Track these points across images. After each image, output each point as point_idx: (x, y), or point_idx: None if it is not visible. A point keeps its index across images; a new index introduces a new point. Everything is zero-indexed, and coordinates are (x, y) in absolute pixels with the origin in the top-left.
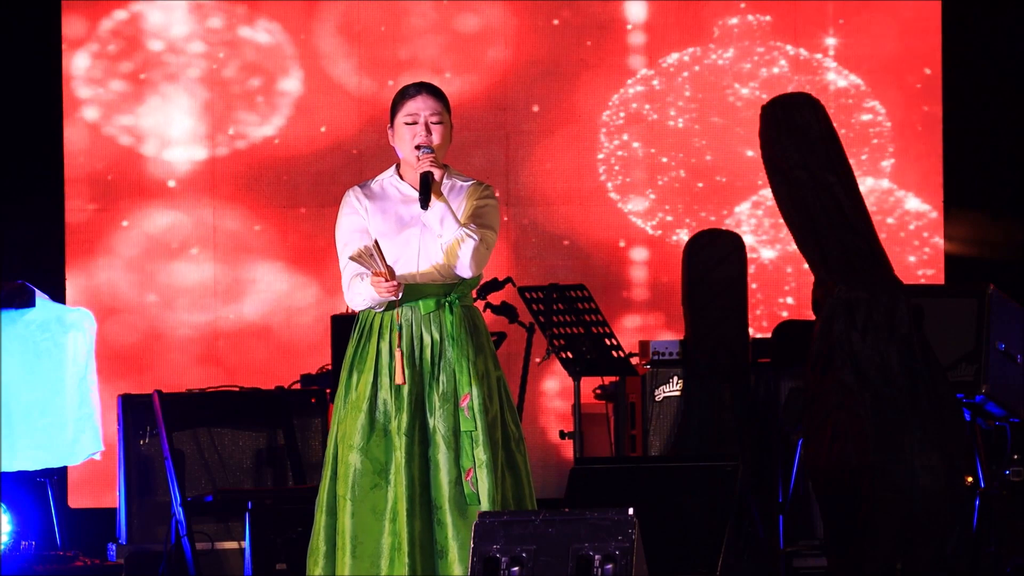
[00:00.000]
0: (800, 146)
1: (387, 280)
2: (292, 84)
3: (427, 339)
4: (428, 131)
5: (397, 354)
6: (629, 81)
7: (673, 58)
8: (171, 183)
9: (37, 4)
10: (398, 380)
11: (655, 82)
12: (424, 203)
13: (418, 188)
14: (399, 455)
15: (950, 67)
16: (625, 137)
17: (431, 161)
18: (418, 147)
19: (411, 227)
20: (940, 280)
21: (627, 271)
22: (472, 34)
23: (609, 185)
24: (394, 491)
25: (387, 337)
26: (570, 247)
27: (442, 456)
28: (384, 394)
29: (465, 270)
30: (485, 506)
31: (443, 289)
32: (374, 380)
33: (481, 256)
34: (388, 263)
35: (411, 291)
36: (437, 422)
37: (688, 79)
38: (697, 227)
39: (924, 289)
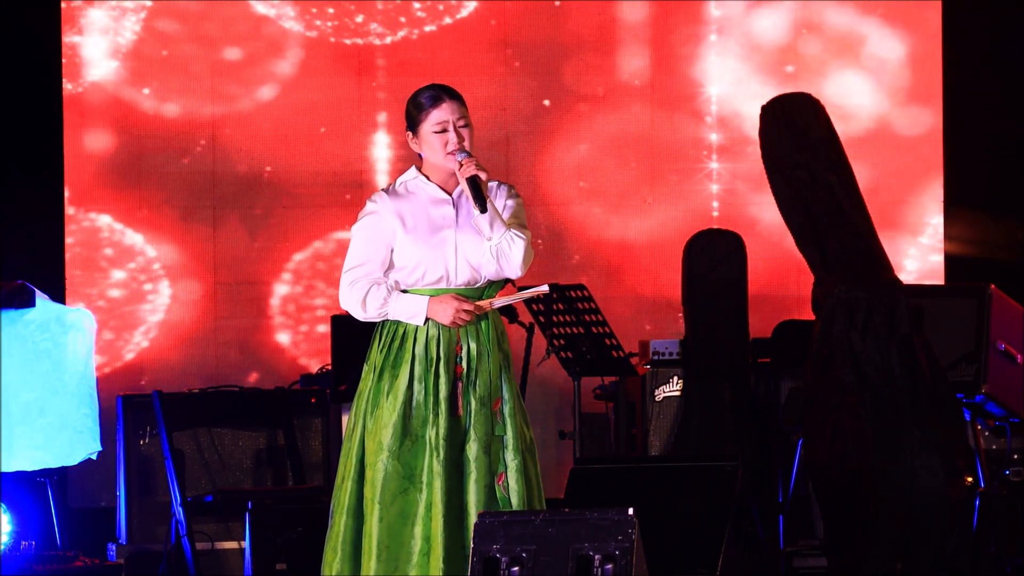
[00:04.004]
0: (800, 146)
1: (475, 311)
2: (293, 89)
3: (463, 345)
4: (460, 137)
5: (459, 386)
6: (629, 82)
7: (673, 61)
8: (171, 184)
9: (37, 5)
10: (459, 412)
11: (655, 84)
12: (483, 207)
13: (447, 189)
14: (436, 462)
15: (950, 67)
16: (625, 137)
17: (475, 165)
18: (453, 153)
19: (445, 229)
20: (940, 280)
21: (628, 271)
22: (472, 33)
23: (609, 186)
24: (427, 496)
25: (423, 342)
26: (570, 247)
27: (477, 461)
28: (419, 399)
29: (516, 270)
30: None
31: (475, 293)
32: (409, 385)
33: (529, 255)
34: (421, 266)
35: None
36: (474, 427)
37: (687, 81)
38: (695, 227)
39: (924, 289)
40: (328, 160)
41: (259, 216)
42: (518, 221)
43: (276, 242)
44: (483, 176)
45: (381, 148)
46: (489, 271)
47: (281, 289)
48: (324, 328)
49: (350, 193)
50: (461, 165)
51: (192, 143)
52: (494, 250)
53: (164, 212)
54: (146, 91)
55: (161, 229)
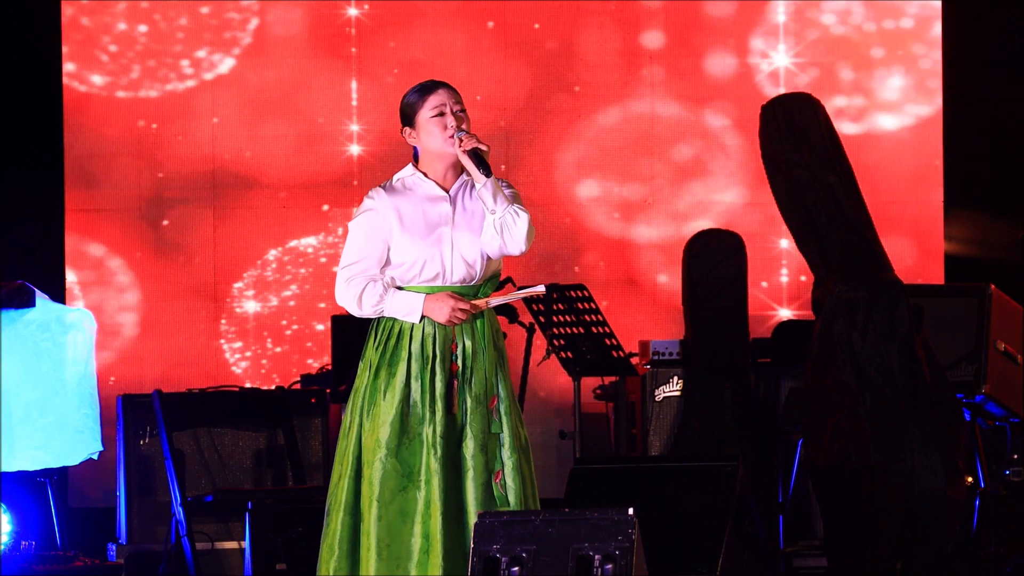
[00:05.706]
0: (800, 146)
1: (471, 309)
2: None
3: (459, 342)
4: (458, 120)
5: (455, 384)
6: (630, 81)
7: (674, 59)
8: (171, 181)
9: (37, 5)
10: (454, 410)
11: (656, 83)
12: (487, 172)
13: (444, 186)
14: (433, 459)
15: (950, 67)
16: (625, 138)
17: (475, 139)
18: (452, 135)
19: (442, 226)
20: (940, 280)
21: (628, 271)
22: (472, 34)
23: (609, 185)
24: (426, 494)
25: (419, 339)
26: (570, 247)
27: (474, 459)
28: (416, 397)
29: (520, 244)
30: (514, 508)
31: (471, 291)
32: (406, 382)
33: (531, 233)
34: (421, 262)
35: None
36: (470, 425)
37: (688, 80)
38: (696, 227)
39: (924, 289)
40: (327, 160)
41: (259, 212)
42: (518, 203)
43: (276, 240)
44: (484, 148)
45: (371, 142)
46: (492, 248)
47: (281, 288)
48: (324, 327)
49: (350, 192)
50: (461, 141)
51: (191, 140)
52: (498, 224)
53: (163, 211)
54: (142, 84)
55: (161, 227)
